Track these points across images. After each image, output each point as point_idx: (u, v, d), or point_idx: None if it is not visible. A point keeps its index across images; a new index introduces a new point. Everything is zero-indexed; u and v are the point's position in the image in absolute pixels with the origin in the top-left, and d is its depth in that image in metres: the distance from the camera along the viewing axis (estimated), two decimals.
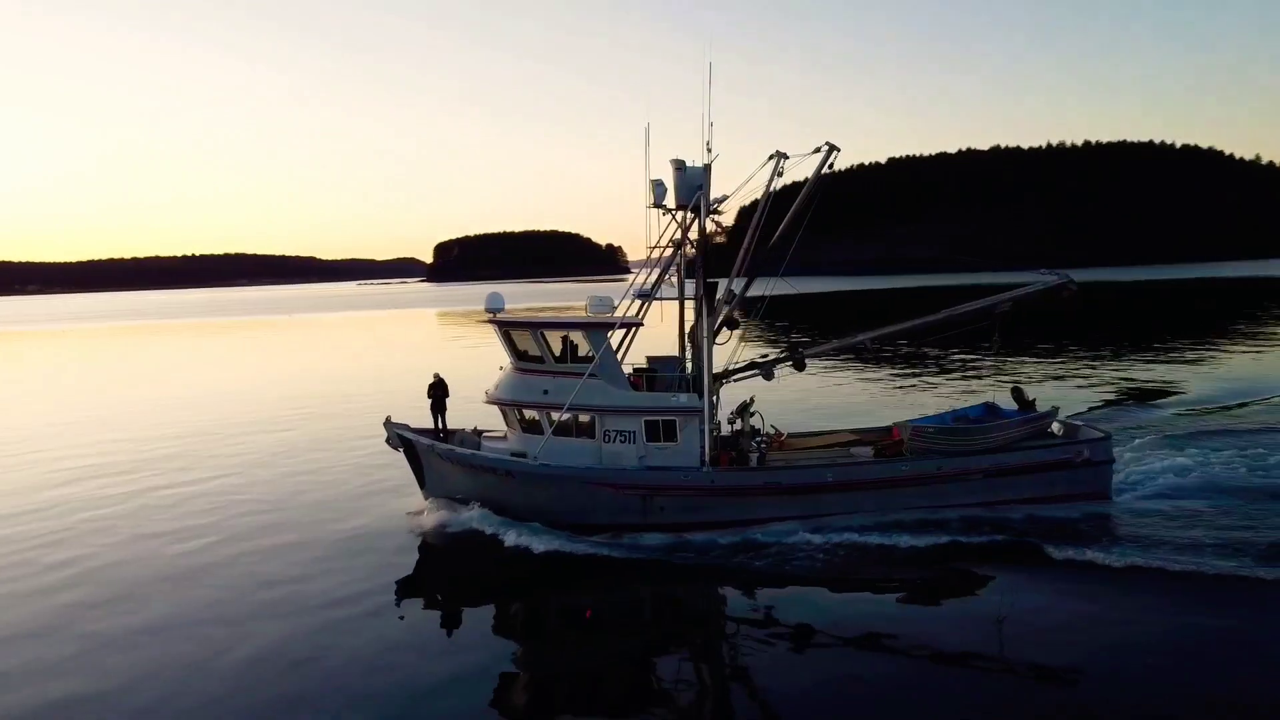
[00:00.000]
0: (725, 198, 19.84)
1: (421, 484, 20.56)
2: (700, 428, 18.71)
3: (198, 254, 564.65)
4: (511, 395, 19.32)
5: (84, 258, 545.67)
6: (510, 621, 15.68)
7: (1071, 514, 18.57)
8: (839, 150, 19.39)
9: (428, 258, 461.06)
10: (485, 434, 21.04)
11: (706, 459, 18.74)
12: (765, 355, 21.43)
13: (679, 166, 19.36)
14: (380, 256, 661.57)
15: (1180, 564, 15.64)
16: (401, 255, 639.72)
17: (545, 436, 18.89)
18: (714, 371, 19.80)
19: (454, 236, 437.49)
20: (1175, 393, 32.87)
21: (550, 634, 15.38)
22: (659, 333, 21.65)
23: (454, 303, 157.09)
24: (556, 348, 19.04)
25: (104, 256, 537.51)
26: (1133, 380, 36.49)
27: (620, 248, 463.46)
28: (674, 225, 19.65)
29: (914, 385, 23.31)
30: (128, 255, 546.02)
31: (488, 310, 19.63)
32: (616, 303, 19.96)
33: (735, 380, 20.20)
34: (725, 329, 19.78)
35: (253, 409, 37.80)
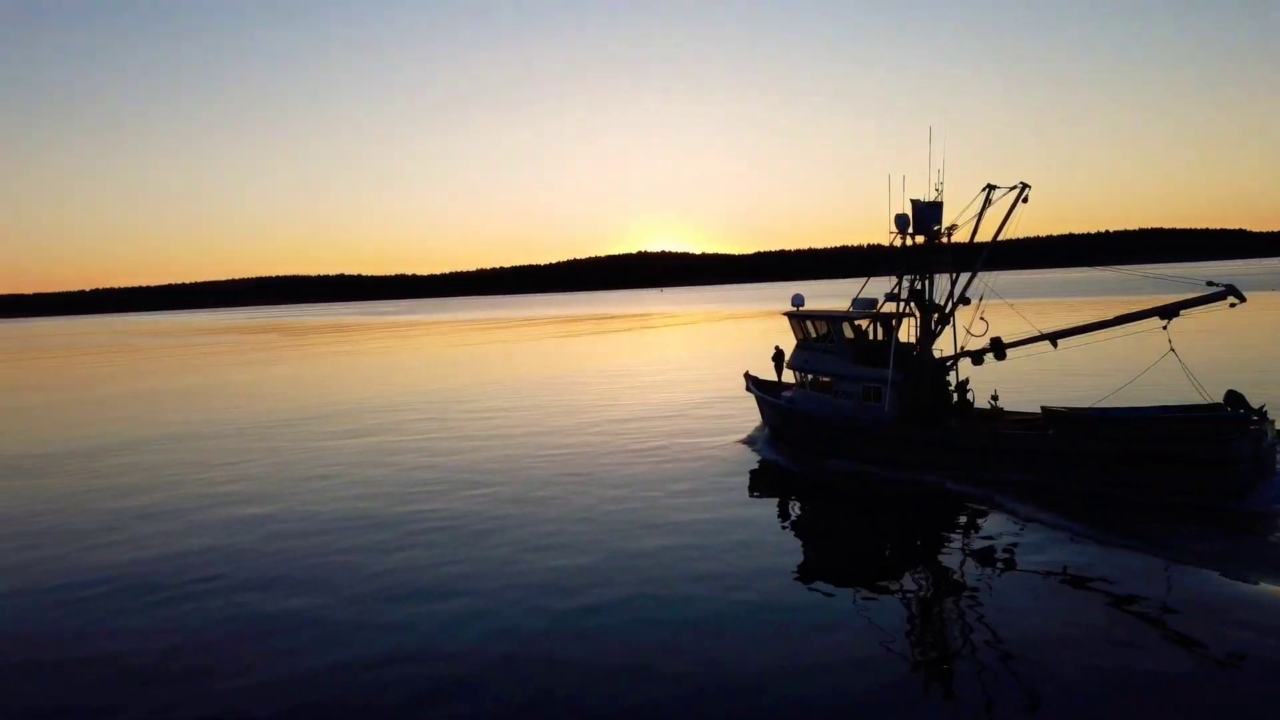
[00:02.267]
0: (954, 226, 26.59)
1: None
2: (895, 395, 26.32)
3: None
4: (791, 363, 29.57)
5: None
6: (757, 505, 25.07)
7: (1200, 509, 20.82)
8: (1029, 188, 24.79)
9: None
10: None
11: (892, 415, 26.17)
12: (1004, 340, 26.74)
13: (915, 204, 26.88)
14: None
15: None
16: None
17: (803, 391, 28.88)
18: (938, 357, 26.89)
19: None
20: None
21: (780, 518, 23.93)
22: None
23: None
24: (813, 333, 28.70)
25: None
26: None
27: None
28: (913, 247, 27.11)
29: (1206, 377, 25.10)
30: None
31: (792, 305, 29.97)
32: (879, 303, 28.25)
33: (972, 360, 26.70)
34: (941, 324, 26.68)
35: None
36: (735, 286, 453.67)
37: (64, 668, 14.79)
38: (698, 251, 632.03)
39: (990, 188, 25.54)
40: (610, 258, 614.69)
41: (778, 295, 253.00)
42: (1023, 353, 25.86)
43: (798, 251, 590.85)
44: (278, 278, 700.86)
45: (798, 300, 30.23)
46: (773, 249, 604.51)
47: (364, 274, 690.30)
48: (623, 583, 17.52)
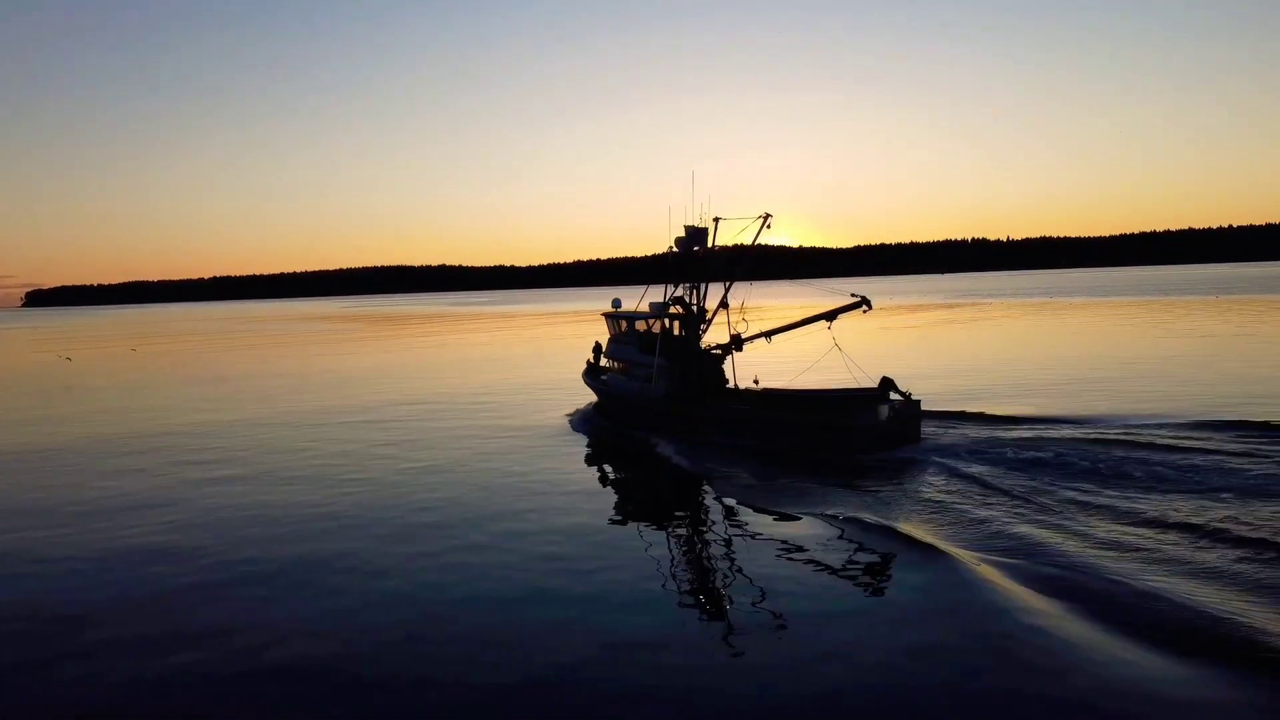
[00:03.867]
0: (716, 246, 34.68)
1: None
2: (664, 378, 34.59)
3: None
4: (606, 352, 38.05)
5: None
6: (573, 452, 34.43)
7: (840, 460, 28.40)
8: (771, 216, 32.74)
9: None
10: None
11: (661, 393, 34.43)
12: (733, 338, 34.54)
13: (687, 228, 35.03)
14: None
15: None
16: None
17: (614, 375, 37.38)
18: (702, 348, 35.03)
19: None
20: None
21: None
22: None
23: None
24: (616, 330, 37.12)
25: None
26: None
27: None
28: (685, 261, 35.28)
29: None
30: None
31: (611, 307, 38.26)
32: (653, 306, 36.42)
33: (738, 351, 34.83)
34: (705, 323, 34.82)
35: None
36: (832, 281, 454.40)
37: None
38: (795, 245, 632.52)
39: (716, 219, 33.63)
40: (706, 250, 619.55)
41: (871, 289, 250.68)
42: (761, 344, 34.07)
43: (899, 245, 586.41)
44: (385, 268, 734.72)
45: (616, 303, 38.65)
46: (873, 243, 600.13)
47: (464, 265, 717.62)
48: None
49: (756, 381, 35.29)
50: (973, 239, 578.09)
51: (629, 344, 36.70)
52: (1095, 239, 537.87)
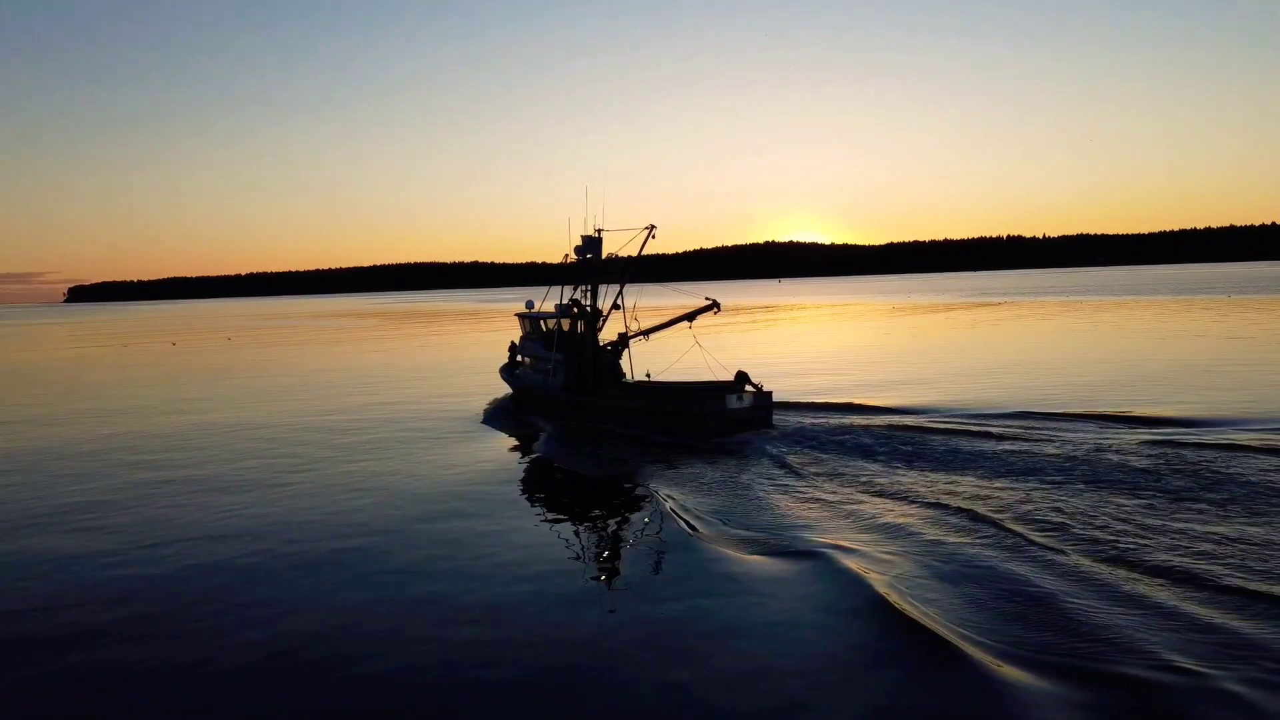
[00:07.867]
0: (612, 254, 38.74)
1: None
2: (562, 371, 38.74)
3: None
4: (519, 350, 42.24)
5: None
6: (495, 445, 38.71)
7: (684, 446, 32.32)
8: (655, 227, 36.77)
9: None
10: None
11: (560, 385, 38.52)
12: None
13: (584, 238, 39.17)
14: None
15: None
16: None
17: (524, 369, 41.64)
18: (599, 343, 39.14)
19: None
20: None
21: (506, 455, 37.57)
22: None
23: None
24: (527, 328, 41.35)
25: None
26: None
27: None
28: (583, 266, 39.36)
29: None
30: None
31: (525, 308, 42.44)
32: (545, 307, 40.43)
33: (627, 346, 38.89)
34: (601, 322, 38.93)
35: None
36: (863, 279, 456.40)
37: None
38: (827, 242, 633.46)
39: (600, 230, 37.70)
40: (736, 247, 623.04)
41: (900, 288, 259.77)
42: (647, 339, 37.97)
43: (931, 243, 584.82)
44: (420, 264, 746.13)
45: (529, 304, 42.84)
46: (906, 240, 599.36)
47: (497, 261, 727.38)
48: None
49: (649, 375, 39.32)
50: (1008, 236, 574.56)
51: (536, 341, 40.91)
52: (1134, 236, 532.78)
